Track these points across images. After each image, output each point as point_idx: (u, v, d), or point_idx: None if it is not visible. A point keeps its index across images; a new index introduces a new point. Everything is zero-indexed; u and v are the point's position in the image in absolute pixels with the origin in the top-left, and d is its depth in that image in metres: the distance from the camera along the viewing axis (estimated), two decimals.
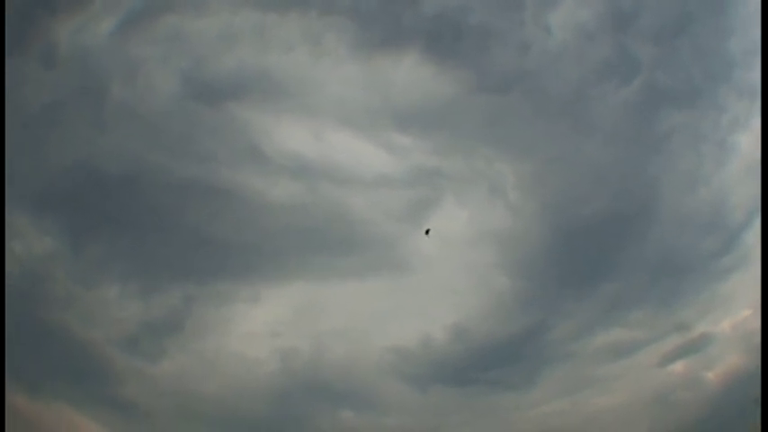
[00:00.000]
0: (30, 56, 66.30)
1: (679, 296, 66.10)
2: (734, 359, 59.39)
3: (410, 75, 71.82)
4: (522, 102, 71.98)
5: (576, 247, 70.35)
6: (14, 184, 61.45)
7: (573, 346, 66.02)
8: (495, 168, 72.68)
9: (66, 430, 58.06)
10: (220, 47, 71.96)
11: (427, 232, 54.28)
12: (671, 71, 72.21)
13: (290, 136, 72.05)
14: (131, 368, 61.78)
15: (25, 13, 66.01)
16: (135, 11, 69.83)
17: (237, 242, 68.54)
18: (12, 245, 61.43)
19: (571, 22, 72.18)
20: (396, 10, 72.78)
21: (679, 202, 70.59)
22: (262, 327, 65.26)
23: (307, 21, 71.33)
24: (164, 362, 62.90)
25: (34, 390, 57.52)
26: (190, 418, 60.58)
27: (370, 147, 72.99)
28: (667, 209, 70.61)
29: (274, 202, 69.95)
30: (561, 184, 72.41)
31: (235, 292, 66.88)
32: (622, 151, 72.38)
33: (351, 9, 72.41)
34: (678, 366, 62.42)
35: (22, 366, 56.55)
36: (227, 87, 71.33)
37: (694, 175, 70.97)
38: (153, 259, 66.84)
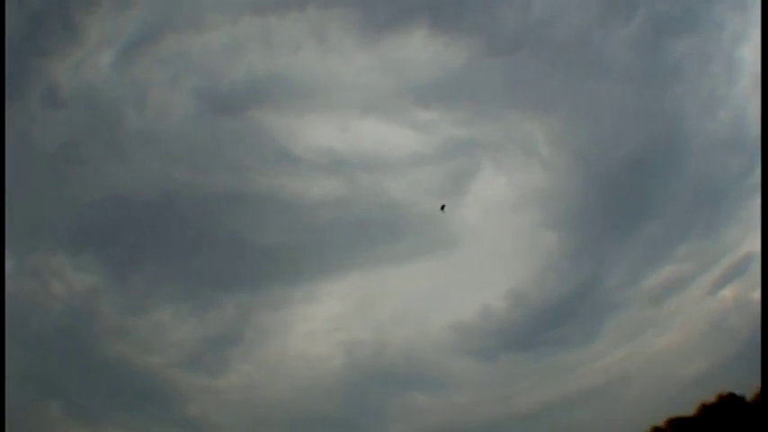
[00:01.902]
0: (32, 100, 66.52)
1: (718, 221, 66.01)
2: None
3: (421, 51, 71.82)
4: (535, 58, 72.21)
5: (613, 193, 70.12)
6: (45, 228, 63.66)
7: (626, 292, 65.66)
8: (524, 129, 72.47)
9: None
10: (228, 58, 72.52)
11: (442, 208, 54.03)
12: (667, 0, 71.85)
13: (317, 133, 72.66)
14: (195, 386, 61.30)
15: (19, 58, 64.69)
16: (133, 39, 69.56)
17: (283, 245, 68.43)
18: (52, 285, 61.90)
19: None
20: None
21: (702, 127, 70.25)
22: (322, 324, 65.10)
23: (308, 17, 71.28)
24: (228, 375, 62.45)
25: (95, 423, 57.01)
26: (262, 426, 59.31)
27: (398, 128, 73.34)
28: (692, 137, 70.20)
29: (314, 200, 70.26)
30: (588, 132, 72.52)
31: (289, 294, 66.75)
32: (639, 88, 72.33)
33: None
34: (727, 292, 62.02)
35: (80, 403, 56.34)
36: (242, 96, 71.63)
37: (711, 98, 70.62)
38: (200, 276, 66.45)
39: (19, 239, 62.21)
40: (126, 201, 66.44)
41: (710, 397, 39.95)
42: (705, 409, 40.07)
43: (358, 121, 72.63)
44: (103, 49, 68.31)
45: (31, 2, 65.74)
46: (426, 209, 67.98)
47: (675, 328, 61.98)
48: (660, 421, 42.00)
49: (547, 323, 64.78)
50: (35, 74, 66.66)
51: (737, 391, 39.23)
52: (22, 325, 58.51)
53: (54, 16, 67.28)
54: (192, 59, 71.27)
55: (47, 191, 65.19)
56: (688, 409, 41.35)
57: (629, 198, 69.72)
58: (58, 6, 67.27)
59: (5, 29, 41.11)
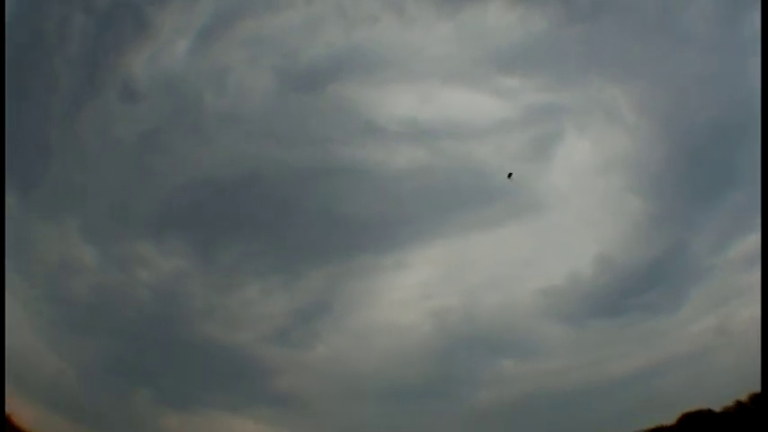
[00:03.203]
0: (108, 96, 67.62)
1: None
2: None
3: (500, 19, 71.73)
4: (615, 24, 72.07)
5: (697, 159, 69.50)
6: (130, 217, 65.50)
7: (712, 259, 64.86)
8: (607, 94, 71.72)
9: None
10: (305, 36, 73.20)
11: (510, 176, 53.11)
12: None
13: (399, 104, 73.08)
14: (285, 360, 62.50)
15: (94, 57, 67.51)
16: (206, 26, 70.93)
17: (371, 215, 68.99)
18: (139, 273, 63.14)
19: None
20: None
21: None
22: (411, 291, 65.58)
23: None
24: (318, 347, 63.41)
25: (186, 406, 58.49)
26: (352, 397, 61.64)
27: (480, 96, 73.22)
28: None
29: (399, 170, 70.87)
30: (671, 98, 71.87)
31: (378, 262, 67.35)
32: (719, 57, 71.57)
33: None
34: None
35: (171, 388, 58.11)
36: (323, 72, 72.61)
37: None
38: (288, 250, 67.72)
39: (103, 232, 64.30)
40: (211, 181, 68.10)
41: None
42: None
43: (440, 90, 73.43)
44: (178, 39, 70.06)
45: (99, 3, 68.28)
46: (514, 174, 68.09)
47: (761, 300, 62.11)
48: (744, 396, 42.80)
49: (634, 288, 64.70)
50: (111, 71, 68.21)
51: None
52: (111, 315, 60.41)
53: (125, 12, 69.03)
54: (269, 40, 72.72)
55: (130, 181, 66.79)
56: None
57: (713, 165, 69.12)
58: (128, 3, 69.34)
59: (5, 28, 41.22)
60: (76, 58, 67.02)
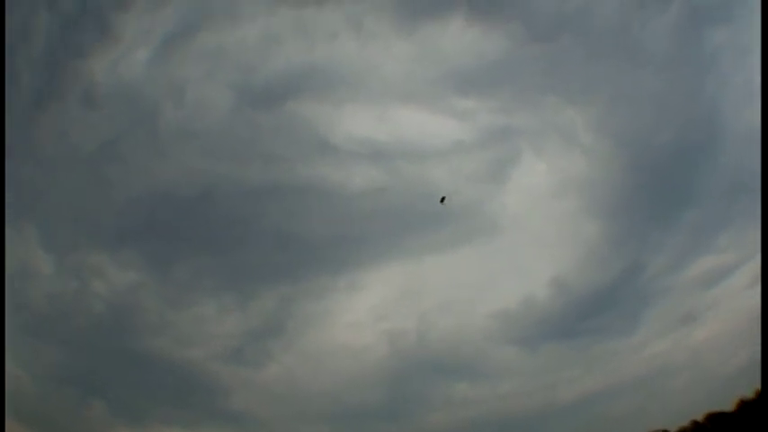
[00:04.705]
0: (69, 101, 67.25)
1: (758, 212, 66.12)
2: None
3: (459, 39, 71.86)
4: (574, 45, 71.97)
5: (654, 180, 69.41)
6: (86, 227, 65.45)
7: (668, 280, 64.98)
8: (565, 116, 71.75)
9: None
10: (264, 51, 73.31)
11: (442, 200, 53.34)
12: None
13: (356, 123, 73.03)
14: (238, 379, 61.73)
15: (54, 60, 66.87)
16: (168, 36, 70.26)
17: (325, 235, 68.64)
18: (93, 283, 62.53)
19: None
20: None
21: (739, 117, 68.46)
22: (365, 313, 65.28)
23: (344, 7, 71.53)
24: (270, 366, 62.88)
25: (139, 420, 57.58)
26: (304, 418, 60.21)
27: (437, 117, 73.36)
28: (730, 126, 69.03)
29: (355, 190, 70.52)
30: (628, 119, 72.06)
31: (331, 284, 66.84)
32: (676, 77, 71.77)
33: None
34: None
35: (124, 401, 57.34)
36: (280, 88, 72.24)
37: (748, 89, 68.25)
38: (242, 268, 67.08)
39: (59, 240, 64.06)
40: (167, 196, 67.83)
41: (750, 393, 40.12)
42: (744, 405, 40.24)
43: (397, 110, 73.15)
44: (138, 48, 69.32)
45: (64, 4, 67.19)
46: (468, 197, 69.23)
47: (715, 320, 61.39)
48: (700, 416, 42.50)
49: (589, 311, 64.62)
50: (72, 75, 67.54)
51: None
52: (64, 325, 60.41)
53: (88, 17, 68.02)
54: (228, 54, 72.10)
55: (87, 190, 66.66)
56: (730, 402, 41.72)
57: (669, 186, 69.18)
58: (92, 7, 68.03)
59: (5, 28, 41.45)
60: (39, 58, 67.08)
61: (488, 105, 71.89)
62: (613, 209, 68.52)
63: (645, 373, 59.42)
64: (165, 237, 66.59)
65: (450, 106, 72.33)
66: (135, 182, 67.67)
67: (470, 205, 68.44)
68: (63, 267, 62.63)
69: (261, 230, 68.45)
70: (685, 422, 44.68)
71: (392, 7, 72.53)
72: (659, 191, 69.09)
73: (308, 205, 69.25)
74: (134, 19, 68.50)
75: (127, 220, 66.30)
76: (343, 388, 61.07)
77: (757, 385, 39.84)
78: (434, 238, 67.68)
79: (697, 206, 67.79)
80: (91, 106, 67.67)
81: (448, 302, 65.21)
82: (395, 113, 72.93)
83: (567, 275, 65.62)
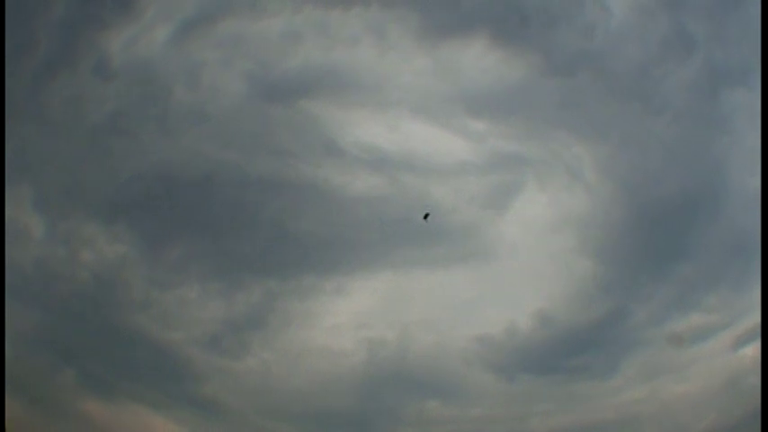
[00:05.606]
0: (82, 70, 66.69)
1: (749, 277, 65.18)
2: None
3: (479, 61, 71.89)
4: (591, 83, 72.11)
5: (652, 229, 69.69)
6: (83, 196, 64.74)
7: (651, 331, 65.06)
8: (573, 151, 72.06)
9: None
10: (284, 46, 72.50)
11: (426, 217, 53.29)
12: (725, 48, 71.65)
13: (365, 129, 72.65)
14: (213, 367, 61.33)
15: (72, 28, 66.48)
16: (189, 19, 69.93)
17: (319, 236, 68.33)
18: (82, 253, 62.07)
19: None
20: None
21: (743, 181, 69.33)
22: (347, 318, 64.95)
23: (370, 14, 71.13)
24: (247, 359, 62.32)
25: (109, 394, 57.25)
26: (274, 414, 60.22)
27: (446, 134, 73.18)
28: (733, 189, 69.81)
29: (355, 195, 70.40)
30: (635, 164, 72.38)
31: (319, 285, 66.48)
32: (688, 131, 72.23)
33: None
34: (749, 350, 60.91)
35: (96, 371, 56.97)
36: (295, 85, 71.46)
37: (757, 155, 70.93)
38: (233, 257, 66.62)
39: (54, 205, 63.27)
40: (167, 176, 66.98)
41: None
42: None
43: (407, 121, 72.77)
44: (158, 27, 68.91)
45: None
46: (466, 219, 70.09)
47: (693, 377, 61.69)
48: None
49: (569, 349, 64.65)
50: (88, 45, 67.14)
51: None
52: (47, 291, 59.55)
53: None
54: (247, 44, 71.58)
55: (88, 159, 65.96)
56: None
57: (666, 237, 69.39)
58: None
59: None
60: (58, 23, 66.44)
61: (499, 130, 72.11)
62: (608, 251, 68.83)
63: (616, 417, 59.65)
64: (160, 215, 66.06)
65: (462, 126, 72.43)
66: (138, 158, 67.04)
67: (468, 227, 68.90)
68: (55, 232, 62.09)
69: (256, 222, 68.03)
70: None
71: (417, 20, 72.21)
72: (656, 240, 69.42)
73: (306, 204, 69.22)
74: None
75: (124, 194, 65.73)
76: (315, 389, 60.94)
77: None
78: (427, 254, 67.98)
79: (691, 261, 68.25)
80: (103, 77, 67.28)
81: (431, 319, 65.11)
82: (405, 125, 72.72)
83: (553, 310, 65.86)
